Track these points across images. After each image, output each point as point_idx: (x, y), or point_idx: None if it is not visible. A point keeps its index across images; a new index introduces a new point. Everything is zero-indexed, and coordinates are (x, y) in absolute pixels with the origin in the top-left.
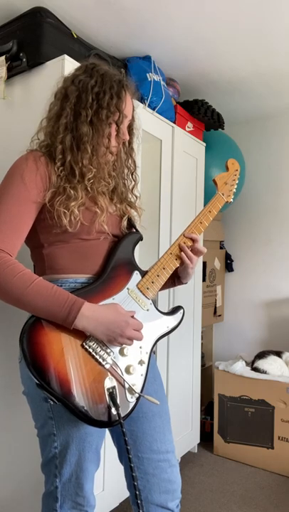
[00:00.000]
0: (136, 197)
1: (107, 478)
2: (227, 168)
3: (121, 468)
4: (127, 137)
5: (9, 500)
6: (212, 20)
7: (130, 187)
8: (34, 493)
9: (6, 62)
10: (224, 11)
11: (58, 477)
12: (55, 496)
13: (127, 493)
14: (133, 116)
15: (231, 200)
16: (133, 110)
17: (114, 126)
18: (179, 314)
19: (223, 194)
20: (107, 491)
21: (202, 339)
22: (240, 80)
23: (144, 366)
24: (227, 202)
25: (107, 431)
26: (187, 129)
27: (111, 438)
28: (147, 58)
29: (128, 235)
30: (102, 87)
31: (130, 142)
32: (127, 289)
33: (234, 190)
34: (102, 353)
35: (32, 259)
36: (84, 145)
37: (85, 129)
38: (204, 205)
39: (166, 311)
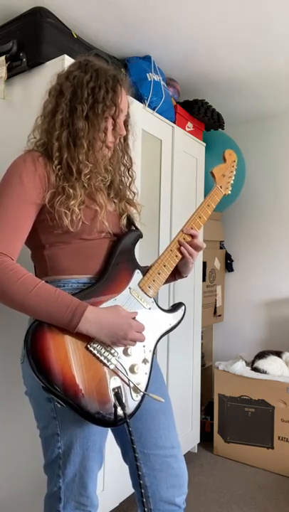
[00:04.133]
0: (134, 193)
1: (107, 478)
2: (224, 160)
3: (121, 468)
4: (124, 132)
5: (10, 501)
6: (212, 21)
7: (127, 183)
8: (36, 494)
9: (6, 62)
10: (224, 12)
11: (62, 477)
12: (58, 497)
13: (127, 493)
14: (128, 113)
15: (229, 192)
16: (128, 106)
17: (110, 121)
18: (180, 311)
19: (221, 187)
20: (107, 491)
21: (202, 339)
22: (240, 80)
23: (148, 365)
24: (225, 194)
25: (109, 431)
26: (187, 129)
27: (114, 438)
28: (147, 58)
29: (128, 233)
30: (97, 82)
31: (125, 138)
32: (129, 288)
33: (232, 181)
34: (106, 354)
35: (32, 260)
36: (80, 140)
37: (81, 124)
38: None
39: (167, 309)
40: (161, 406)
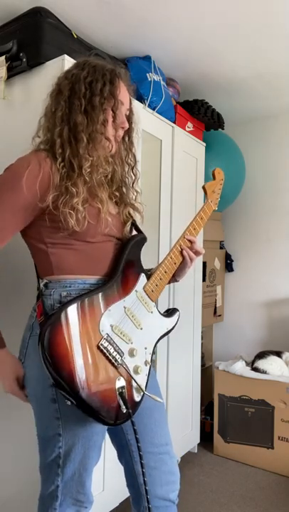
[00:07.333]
0: (136, 192)
1: (107, 478)
2: (214, 177)
3: (121, 468)
4: (126, 125)
5: (10, 502)
6: (212, 21)
7: (131, 183)
8: (35, 494)
9: (6, 62)
10: (224, 11)
11: (60, 476)
12: (56, 495)
13: (127, 493)
14: (131, 109)
15: (216, 208)
16: (130, 102)
17: (109, 112)
18: (175, 317)
19: (211, 201)
20: (107, 491)
21: (202, 339)
22: (240, 80)
23: (148, 366)
24: (214, 209)
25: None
26: (187, 129)
27: (109, 439)
28: (147, 58)
29: (135, 236)
30: (94, 76)
31: (130, 136)
32: (136, 291)
33: (219, 198)
34: (114, 353)
35: (34, 260)
36: (80, 134)
37: (80, 118)
38: (196, 212)
39: (164, 313)
40: (155, 403)
